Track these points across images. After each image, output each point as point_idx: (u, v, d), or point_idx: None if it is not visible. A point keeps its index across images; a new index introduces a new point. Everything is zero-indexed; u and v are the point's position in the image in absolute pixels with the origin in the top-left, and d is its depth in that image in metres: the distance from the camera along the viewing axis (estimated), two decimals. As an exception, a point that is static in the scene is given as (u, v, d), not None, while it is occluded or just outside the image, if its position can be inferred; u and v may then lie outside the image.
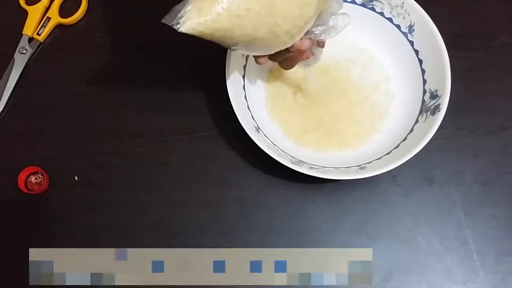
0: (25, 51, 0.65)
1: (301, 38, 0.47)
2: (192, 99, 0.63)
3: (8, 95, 0.63)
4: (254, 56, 0.50)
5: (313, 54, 0.53)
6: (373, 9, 0.61)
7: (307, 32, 0.47)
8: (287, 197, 0.59)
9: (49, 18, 0.67)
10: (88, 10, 0.68)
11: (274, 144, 0.56)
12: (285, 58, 0.51)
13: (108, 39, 0.66)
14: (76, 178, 0.59)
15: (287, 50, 0.47)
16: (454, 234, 0.57)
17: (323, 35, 0.49)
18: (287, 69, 0.55)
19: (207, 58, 0.64)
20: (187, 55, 0.65)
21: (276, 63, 0.54)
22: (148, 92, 0.63)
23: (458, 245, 0.57)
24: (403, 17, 0.60)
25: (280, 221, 0.58)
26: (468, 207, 0.58)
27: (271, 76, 0.62)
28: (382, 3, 0.61)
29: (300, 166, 0.53)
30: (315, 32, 0.48)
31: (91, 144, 0.61)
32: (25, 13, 0.67)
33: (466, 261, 0.56)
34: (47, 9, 0.67)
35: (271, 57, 0.50)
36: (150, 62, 0.65)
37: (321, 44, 0.53)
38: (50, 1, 0.68)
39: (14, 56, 0.64)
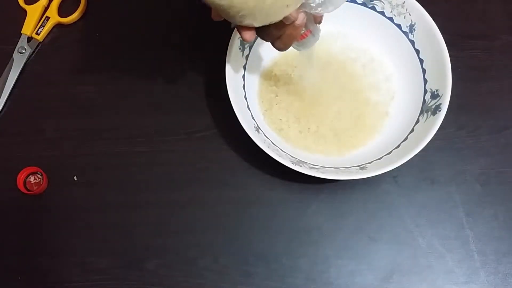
0: (24, 51, 0.65)
1: (296, 11, 0.44)
2: (192, 99, 0.62)
3: (7, 95, 0.62)
4: (241, 32, 0.46)
5: (310, 32, 0.50)
6: (373, 8, 0.61)
7: (302, 5, 0.44)
8: (287, 197, 0.58)
9: (48, 18, 0.66)
10: (87, 10, 0.68)
11: (274, 144, 0.56)
12: (279, 36, 0.47)
13: (107, 39, 0.66)
14: (75, 178, 0.59)
15: (282, 25, 0.45)
16: (454, 234, 0.57)
17: (319, 9, 0.45)
18: (282, 49, 0.49)
19: (208, 58, 0.64)
20: (187, 55, 0.65)
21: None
22: (147, 92, 0.63)
23: (459, 245, 0.56)
24: (404, 17, 0.60)
25: (280, 221, 0.57)
26: (469, 207, 0.58)
27: (270, 77, 0.62)
28: (382, 2, 0.60)
29: (300, 166, 0.53)
30: (311, 4, 0.44)
31: (91, 144, 0.61)
32: (24, 13, 0.66)
33: (467, 262, 0.56)
34: (46, 8, 0.67)
35: (265, 34, 0.47)
36: (149, 61, 0.65)
37: (317, 20, 0.49)
38: (49, 1, 0.67)
39: (13, 56, 0.64)
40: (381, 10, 0.61)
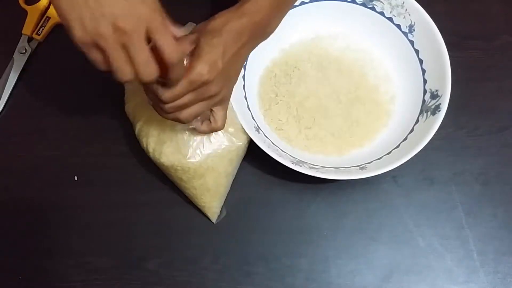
0: (24, 51, 0.65)
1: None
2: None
3: (8, 95, 0.62)
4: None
5: None
6: (373, 8, 0.61)
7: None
8: (287, 197, 0.58)
9: (48, 18, 0.66)
10: (87, 10, 0.68)
11: (274, 144, 0.56)
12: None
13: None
14: (75, 178, 0.59)
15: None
16: (454, 234, 0.57)
17: None
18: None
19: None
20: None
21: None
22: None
23: (458, 245, 0.57)
24: (404, 17, 0.60)
25: (280, 221, 0.57)
26: (468, 207, 0.58)
27: (270, 77, 0.62)
28: (382, 2, 0.61)
29: (300, 166, 0.53)
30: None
31: (91, 144, 0.61)
32: (24, 13, 0.66)
33: (466, 261, 0.56)
34: (47, 8, 0.67)
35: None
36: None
37: None
38: (50, 1, 0.67)
39: (14, 56, 0.64)
40: (381, 11, 0.61)
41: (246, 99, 0.58)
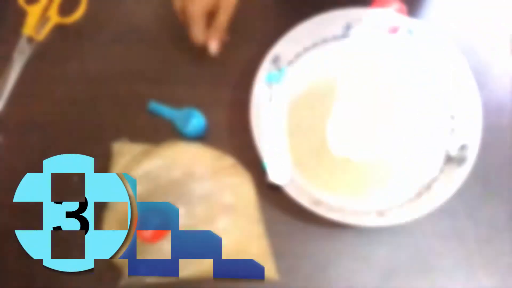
0: (24, 51, 0.65)
1: None
2: (191, 99, 0.62)
3: (8, 95, 0.62)
4: None
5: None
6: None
7: None
8: (287, 198, 0.58)
9: (48, 18, 0.66)
10: (87, 10, 0.68)
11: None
12: None
13: (107, 39, 0.66)
14: (76, 178, 0.59)
15: None
16: (454, 234, 0.57)
17: None
18: None
19: (207, 59, 0.64)
20: (188, 56, 0.65)
21: None
22: (147, 92, 0.63)
23: (459, 245, 0.57)
24: None
25: (279, 220, 0.57)
26: (469, 207, 0.58)
27: (292, 109, 0.61)
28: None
29: (318, 206, 0.53)
30: None
31: (91, 144, 0.60)
32: (24, 13, 0.66)
33: (467, 261, 0.56)
34: (47, 8, 0.67)
35: None
36: (149, 62, 0.65)
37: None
38: (50, 1, 0.68)
39: (14, 56, 0.64)
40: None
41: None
